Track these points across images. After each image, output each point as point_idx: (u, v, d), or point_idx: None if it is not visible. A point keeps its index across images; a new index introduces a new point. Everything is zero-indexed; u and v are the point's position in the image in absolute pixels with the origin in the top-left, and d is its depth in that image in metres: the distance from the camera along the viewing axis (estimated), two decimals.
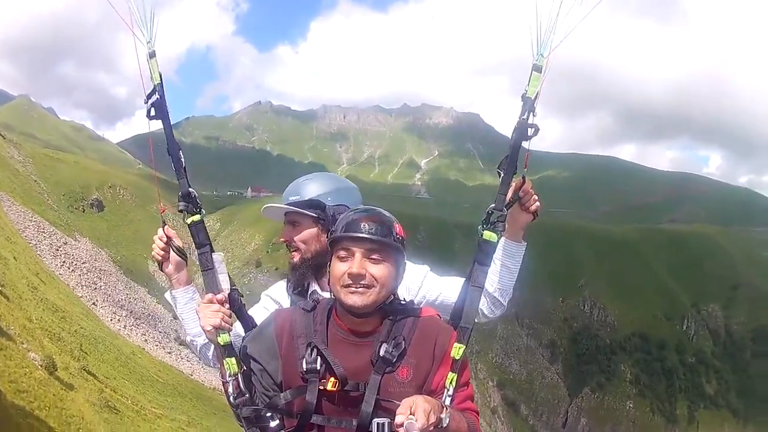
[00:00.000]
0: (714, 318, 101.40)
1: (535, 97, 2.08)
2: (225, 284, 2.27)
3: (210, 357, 2.40)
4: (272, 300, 2.57)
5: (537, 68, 2.08)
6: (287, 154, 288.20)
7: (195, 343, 2.43)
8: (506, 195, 2.18)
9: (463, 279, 2.32)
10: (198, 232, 2.28)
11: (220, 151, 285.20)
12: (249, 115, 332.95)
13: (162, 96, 2.20)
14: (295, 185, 2.60)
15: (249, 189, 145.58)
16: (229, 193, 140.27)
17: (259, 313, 2.44)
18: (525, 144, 2.14)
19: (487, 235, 2.18)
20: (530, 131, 2.10)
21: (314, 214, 2.46)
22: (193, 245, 2.38)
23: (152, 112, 2.19)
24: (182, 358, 57.63)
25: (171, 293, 2.42)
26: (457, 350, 1.99)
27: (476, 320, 2.25)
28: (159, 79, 2.19)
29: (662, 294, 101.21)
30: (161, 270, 2.42)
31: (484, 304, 2.41)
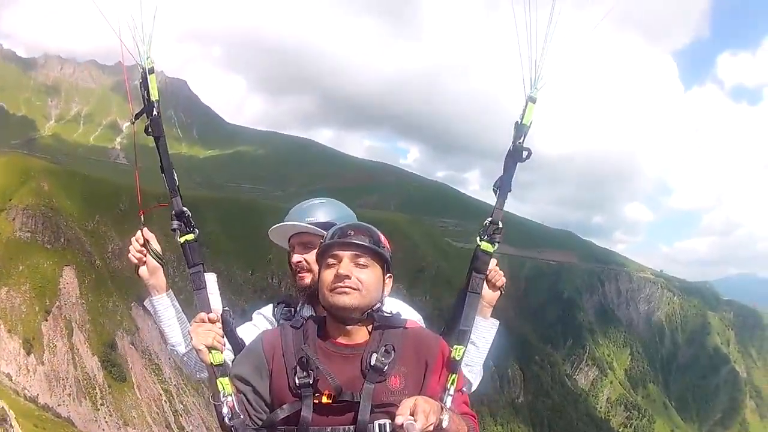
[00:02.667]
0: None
1: (530, 124, 2.21)
2: (217, 304, 2.27)
3: (192, 366, 2.37)
4: (264, 318, 2.56)
5: (532, 99, 2.19)
6: (3, 103, 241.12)
7: (176, 350, 2.38)
8: (501, 210, 2.30)
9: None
10: (191, 251, 2.25)
11: None
12: None
13: (159, 113, 2.24)
14: (308, 208, 2.57)
15: None
16: None
17: (249, 331, 2.45)
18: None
19: (485, 246, 2.28)
20: (524, 154, 2.22)
21: None
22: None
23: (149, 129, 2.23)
24: None
25: (150, 301, 2.37)
26: (458, 351, 2.07)
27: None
28: (157, 95, 2.22)
29: None
30: (136, 274, 2.33)
31: None
